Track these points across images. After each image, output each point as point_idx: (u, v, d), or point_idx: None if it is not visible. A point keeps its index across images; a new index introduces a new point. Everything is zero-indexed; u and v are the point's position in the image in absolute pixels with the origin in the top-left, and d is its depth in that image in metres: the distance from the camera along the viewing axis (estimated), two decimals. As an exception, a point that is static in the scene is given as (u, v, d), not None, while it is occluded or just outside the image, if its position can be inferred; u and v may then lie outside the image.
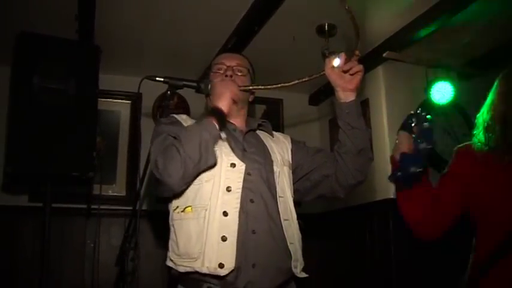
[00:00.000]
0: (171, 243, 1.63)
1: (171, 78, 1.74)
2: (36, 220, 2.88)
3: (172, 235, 1.64)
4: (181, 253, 1.57)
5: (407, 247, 2.87)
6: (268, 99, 3.77)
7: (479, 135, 1.65)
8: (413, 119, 1.75)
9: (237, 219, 1.55)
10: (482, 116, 1.67)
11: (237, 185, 1.60)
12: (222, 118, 1.62)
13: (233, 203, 1.57)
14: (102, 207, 3.10)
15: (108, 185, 3.31)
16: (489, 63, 3.14)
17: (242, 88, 1.78)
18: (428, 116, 1.74)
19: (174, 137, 1.60)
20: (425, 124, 1.72)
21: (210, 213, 1.55)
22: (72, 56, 2.67)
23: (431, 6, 2.58)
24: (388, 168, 1.85)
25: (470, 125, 1.73)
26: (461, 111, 3.33)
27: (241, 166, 1.63)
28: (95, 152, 2.66)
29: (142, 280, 2.75)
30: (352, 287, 3.33)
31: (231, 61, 1.84)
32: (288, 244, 1.62)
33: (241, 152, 1.69)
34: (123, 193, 3.38)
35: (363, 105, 3.11)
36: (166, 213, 1.74)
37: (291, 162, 1.83)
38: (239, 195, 1.59)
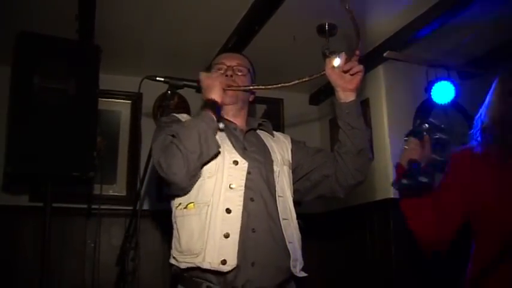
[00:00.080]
0: (173, 240, 1.64)
1: (171, 78, 1.74)
2: (37, 220, 2.87)
3: (175, 232, 1.65)
4: (184, 250, 1.58)
5: (407, 247, 2.87)
6: (268, 99, 3.77)
7: (477, 136, 1.63)
8: (426, 126, 1.67)
9: (240, 216, 1.56)
10: (480, 117, 1.65)
11: (240, 183, 1.61)
12: (217, 108, 1.63)
13: (236, 200, 1.58)
14: (102, 207, 3.10)
15: (108, 185, 3.31)
16: (489, 63, 3.14)
17: (242, 88, 1.79)
18: (443, 127, 1.67)
19: (173, 135, 1.60)
20: (443, 136, 1.64)
21: (213, 209, 1.56)
22: (72, 56, 2.66)
23: (432, 6, 2.58)
24: (389, 168, 1.85)
25: (471, 125, 1.71)
26: (462, 111, 3.33)
27: (243, 164, 1.64)
28: (96, 152, 2.66)
29: (143, 280, 2.76)
30: (352, 287, 3.33)
31: (231, 61, 1.85)
32: (287, 243, 1.62)
33: (242, 151, 1.69)
34: (124, 193, 3.38)
35: (363, 104, 3.12)
36: (167, 213, 1.74)
37: (291, 162, 1.83)
38: (242, 193, 1.59)
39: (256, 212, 1.60)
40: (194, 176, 1.58)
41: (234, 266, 1.50)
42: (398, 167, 1.70)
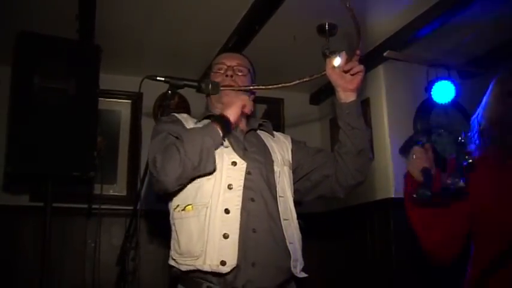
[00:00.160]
0: (172, 242, 1.63)
1: (171, 78, 1.74)
2: (37, 220, 2.88)
3: (173, 234, 1.64)
4: (183, 252, 1.57)
5: (407, 247, 2.87)
6: (269, 98, 3.77)
7: (475, 139, 1.61)
8: (422, 139, 1.60)
9: (238, 216, 1.55)
10: (477, 118, 1.63)
11: (239, 183, 1.60)
12: (227, 126, 1.62)
13: (234, 200, 1.57)
14: (102, 207, 3.10)
15: (108, 185, 3.31)
16: (490, 63, 3.14)
17: (243, 88, 1.79)
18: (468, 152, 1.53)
19: (176, 137, 1.60)
20: (470, 160, 1.47)
21: (211, 210, 1.55)
22: (72, 56, 2.67)
23: (432, 6, 2.58)
24: (389, 168, 1.84)
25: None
26: (462, 111, 3.33)
27: (242, 165, 1.63)
28: (96, 151, 2.66)
29: (143, 280, 2.76)
30: (352, 287, 3.33)
31: (231, 61, 1.84)
32: (288, 244, 1.61)
33: (242, 151, 1.69)
34: (124, 193, 3.38)
35: (364, 104, 3.12)
36: (167, 213, 1.73)
37: (291, 162, 1.82)
38: (241, 193, 1.59)
39: (257, 212, 1.60)
40: (181, 184, 1.58)
41: (233, 267, 1.50)
42: (408, 177, 1.61)
